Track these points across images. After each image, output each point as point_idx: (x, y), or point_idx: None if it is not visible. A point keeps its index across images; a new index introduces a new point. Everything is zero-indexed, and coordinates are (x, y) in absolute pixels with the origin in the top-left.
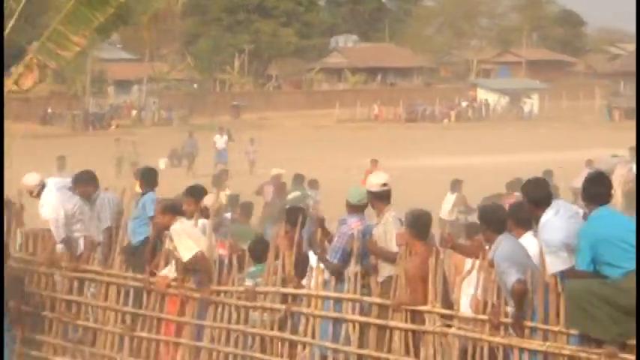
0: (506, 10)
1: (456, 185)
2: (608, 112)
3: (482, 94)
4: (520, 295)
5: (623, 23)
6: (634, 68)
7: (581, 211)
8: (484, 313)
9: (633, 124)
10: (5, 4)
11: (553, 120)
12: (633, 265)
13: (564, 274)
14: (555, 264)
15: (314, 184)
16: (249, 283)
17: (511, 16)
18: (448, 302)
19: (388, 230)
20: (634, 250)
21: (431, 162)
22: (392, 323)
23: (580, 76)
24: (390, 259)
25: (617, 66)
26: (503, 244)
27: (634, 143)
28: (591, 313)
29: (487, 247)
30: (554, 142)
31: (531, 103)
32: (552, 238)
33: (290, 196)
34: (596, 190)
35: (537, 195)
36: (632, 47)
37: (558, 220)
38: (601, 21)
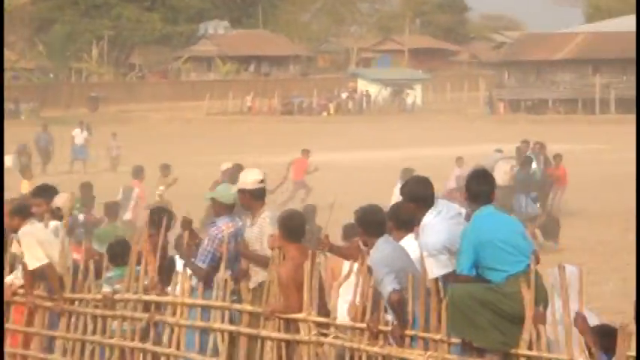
0: None
1: (406, 175)
2: (489, 105)
3: (362, 85)
4: (397, 306)
5: (507, 10)
6: (519, 57)
7: (463, 211)
8: (362, 320)
9: (518, 116)
10: None
11: (437, 112)
12: (517, 269)
13: (446, 279)
14: (436, 268)
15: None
16: (107, 289)
17: (393, 1)
18: (324, 309)
19: (265, 232)
20: (518, 253)
21: (311, 157)
22: (264, 332)
23: (464, 65)
24: (263, 263)
25: (502, 55)
26: (380, 249)
27: (519, 137)
28: (474, 320)
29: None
30: (439, 136)
31: (414, 95)
32: (433, 241)
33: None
34: (479, 188)
35: (419, 195)
36: (517, 35)
37: (439, 222)
38: (485, 7)
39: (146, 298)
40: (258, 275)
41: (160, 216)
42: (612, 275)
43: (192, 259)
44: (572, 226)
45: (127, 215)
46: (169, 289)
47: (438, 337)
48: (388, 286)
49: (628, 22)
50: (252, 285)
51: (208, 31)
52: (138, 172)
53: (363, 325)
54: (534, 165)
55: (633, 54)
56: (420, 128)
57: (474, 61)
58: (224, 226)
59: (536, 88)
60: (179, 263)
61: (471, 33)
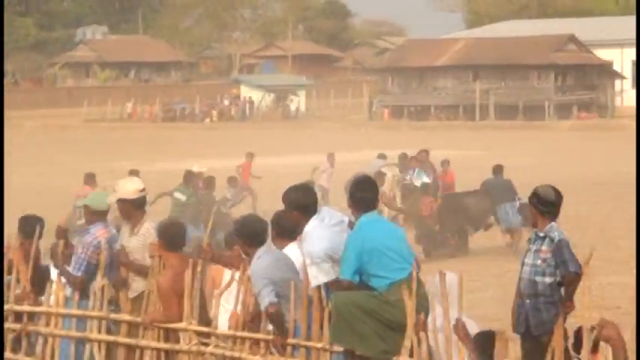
0: (270, 1)
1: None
2: (370, 112)
3: (245, 92)
4: (275, 318)
5: (390, 15)
6: (402, 63)
7: (347, 219)
8: (244, 329)
9: (401, 123)
10: None
11: (321, 119)
12: (400, 276)
13: (329, 287)
14: (319, 276)
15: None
16: None
17: (275, 6)
18: (205, 319)
19: (148, 243)
20: (402, 260)
21: (193, 164)
22: (142, 342)
23: (348, 71)
24: (143, 272)
25: (386, 61)
26: (260, 260)
27: (402, 143)
28: (356, 328)
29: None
30: (323, 143)
31: (298, 101)
32: (315, 249)
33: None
34: (363, 195)
35: (301, 203)
36: (401, 40)
37: (322, 229)
38: (368, 13)
39: (18, 308)
40: (139, 285)
41: (32, 224)
42: (492, 282)
43: (67, 268)
44: None
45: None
46: (43, 298)
47: (320, 345)
48: (266, 298)
49: (506, 28)
50: (131, 294)
51: (86, 36)
52: (90, 178)
53: (245, 335)
54: (423, 177)
55: (512, 60)
56: (303, 135)
57: (358, 67)
58: (98, 233)
59: (419, 95)
60: (54, 272)
61: (355, 39)
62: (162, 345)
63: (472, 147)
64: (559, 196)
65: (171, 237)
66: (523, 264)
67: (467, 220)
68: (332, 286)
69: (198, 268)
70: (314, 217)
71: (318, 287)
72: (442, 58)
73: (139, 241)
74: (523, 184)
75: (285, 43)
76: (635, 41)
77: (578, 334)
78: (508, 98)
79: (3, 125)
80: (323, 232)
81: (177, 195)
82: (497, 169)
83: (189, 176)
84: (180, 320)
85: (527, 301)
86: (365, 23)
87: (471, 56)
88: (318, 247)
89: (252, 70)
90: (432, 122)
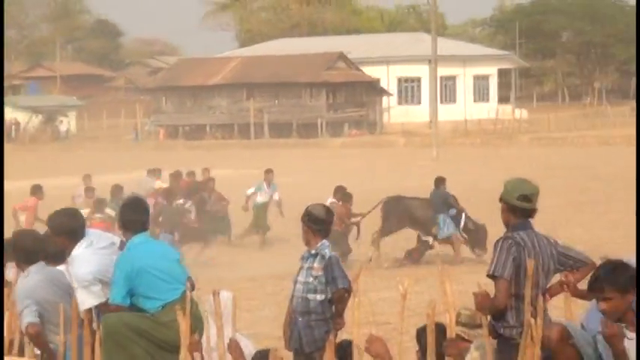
0: (37, 21)
1: (116, 191)
2: (137, 132)
3: (10, 113)
4: (35, 339)
5: (162, 34)
6: (175, 83)
7: (117, 240)
8: (10, 353)
9: (177, 142)
10: None
11: (93, 139)
12: (173, 297)
13: (99, 310)
14: (89, 299)
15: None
16: None
17: (42, 27)
18: None
19: None
20: (174, 281)
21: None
22: None
23: (120, 91)
24: None
25: (159, 80)
26: (27, 278)
27: (177, 162)
28: (128, 349)
29: None
30: (94, 164)
31: (68, 122)
32: (83, 272)
33: None
34: (132, 217)
35: (67, 227)
36: (174, 60)
37: (90, 253)
38: (139, 32)
39: None
40: None
41: None
42: (268, 300)
43: None
44: (221, 251)
45: None
46: None
47: None
48: (25, 319)
49: (279, 46)
50: None
51: None
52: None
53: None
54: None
55: (285, 78)
56: (73, 156)
57: (131, 87)
58: None
59: (194, 114)
60: None
61: (126, 58)
62: None
63: (248, 165)
64: (330, 214)
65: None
66: (296, 282)
67: (411, 222)
68: (101, 309)
69: None
70: (81, 241)
71: (90, 309)
72: (216, 76)
73: None
74: (297, 203)
75: (53, 64)
76: (398, 59)
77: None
78: (282, 116)
79: (3, 125)
80: (91, 256)
81: (108, 211)
82: (439, 181)
83: (117, 191)
84: None
85: (300, 318)
86: (137, 42)
87: (245, 75)
88: (86, 270)
89: (18, 92)
90: (207, 141)
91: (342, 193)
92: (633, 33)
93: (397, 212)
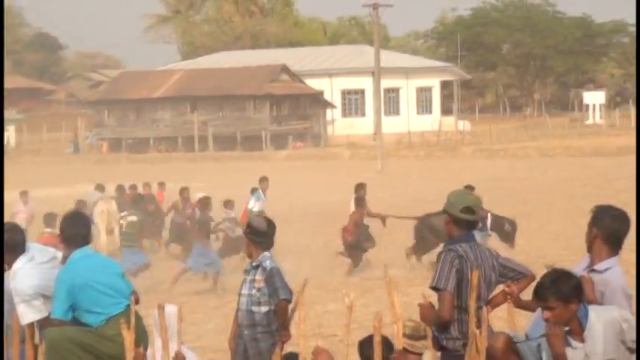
0: None
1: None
2: (75, 145)
3: None
4: None
5: (104, 47)
6: (118, 96)
7: (59, 255)
8: None
9: (120, 156)
10: None
11: (33, 153)
12: (116, 310)
13: (41, 324)
14: (28, 313)
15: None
16: None
17: None
18: None
19: None
20: (117, 294)
21: None
22: None
23: (62, 105)
24: None
25: (101, 94)
26: None
27: (120, 176)
28: None
29: None
30: (35, 178)
31: (7, 136)
32: (24, 286)
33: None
34: (73, 231)
35: (10, 241)
36: (116, 73)
37: (32, 267)
38: (80, 45)
39: None
40: None
41: None
42: (214, 313)
43: None
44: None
45: None
46: None
47: None
48: None
49: (222, 58)
50: None
51: None
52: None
53: None
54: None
55: (228, 90)
56: (12, 170)
57: (72, 101)
58: None
59: (137, 127)
60: None
61: (68, 72)
62: None
63: (192, 179)
64: (271, 226)
65: None
66: (240, 295)
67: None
68: (42, 324)
69: None
70: (22, 256)
71: (32, 324)
72: (159, 89)
73: None
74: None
75: None
76: (342, 71)
77: None
78: (226, 129)
79: (3, 125)
80: (33, 270)
81: (131, 218)
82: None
83: (138, 199)
84: None
85: (246, 331)
86: (78, 56)
87: (188, 87)
88: (27, 284)
89: None
90: (151, 154)
91: (355, 198)
92: (571, 44)
93: (431, 230)
